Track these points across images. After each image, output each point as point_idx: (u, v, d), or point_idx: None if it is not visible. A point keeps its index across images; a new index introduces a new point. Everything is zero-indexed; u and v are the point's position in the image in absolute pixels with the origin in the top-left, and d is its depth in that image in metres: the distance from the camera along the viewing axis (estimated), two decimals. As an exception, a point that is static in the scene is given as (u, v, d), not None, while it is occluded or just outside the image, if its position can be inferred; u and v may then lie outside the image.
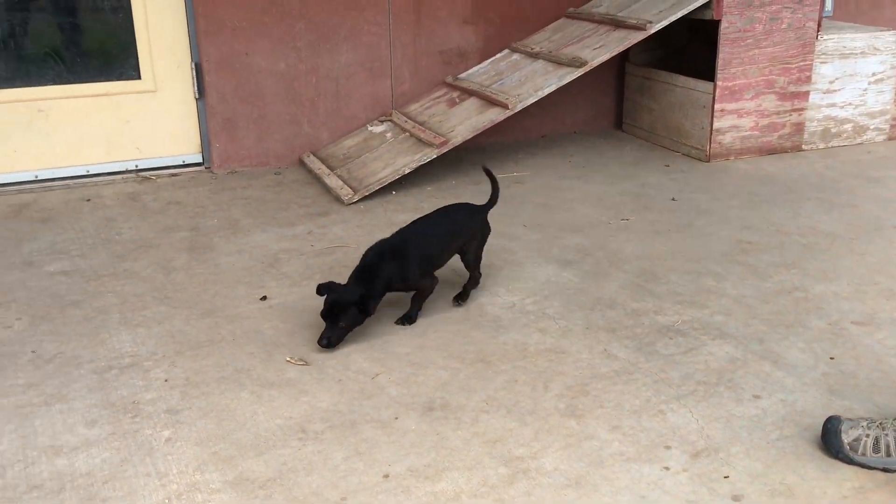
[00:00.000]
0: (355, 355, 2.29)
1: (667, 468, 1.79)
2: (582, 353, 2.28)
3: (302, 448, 1.89)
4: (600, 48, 3.75)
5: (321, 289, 2.34)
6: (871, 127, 4.26)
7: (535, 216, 3.33)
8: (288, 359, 2.26)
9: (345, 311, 2.29)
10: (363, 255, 2.44)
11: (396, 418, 1.99)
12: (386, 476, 1.78)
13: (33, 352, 2.31)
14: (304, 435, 1.93)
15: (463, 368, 2.21)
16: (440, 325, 2.45)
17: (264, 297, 2.64)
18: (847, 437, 1.78)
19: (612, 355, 2.27)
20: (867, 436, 1.77)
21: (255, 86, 3.85)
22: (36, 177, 3.70)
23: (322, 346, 2.28)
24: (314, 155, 3.94)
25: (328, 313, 2.29)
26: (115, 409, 2.03)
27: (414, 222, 2.61)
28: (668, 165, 3.97)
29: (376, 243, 2.48)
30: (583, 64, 3.65)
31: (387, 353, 2.30)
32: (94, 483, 1.77)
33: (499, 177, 3.83)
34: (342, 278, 2.76)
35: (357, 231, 3.19)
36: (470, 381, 2.15)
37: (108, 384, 2.15)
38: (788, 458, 1.81)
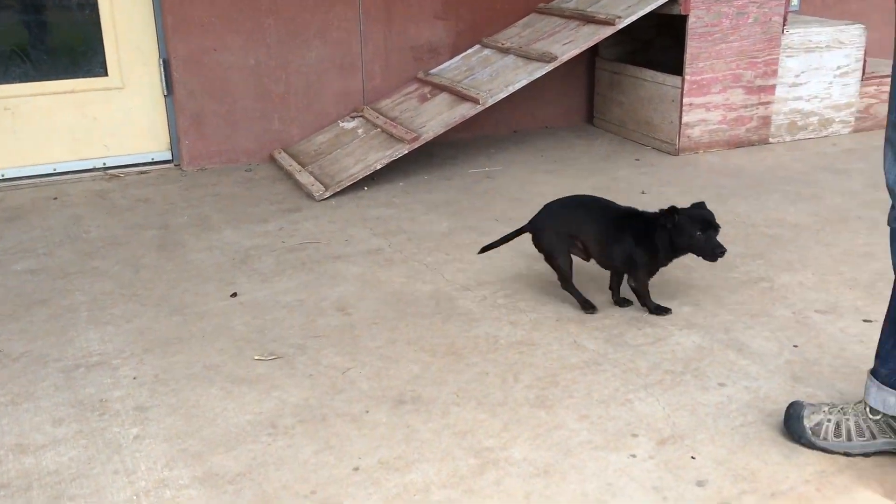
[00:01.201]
0: (326, 350, 2.29)
1: (634, 455, 1.81)
2: (552, 345, 2.30)
3: (272, 443, 1.89)
4: (570, 43, 3.77)
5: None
6: (837, 119, 4.32)
7: (507, 210, 3.35)
8: (256, 357, 2.26)
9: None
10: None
11: (367, 412, 2.00)
12: (356, 469, 1.79)
13: (0, 350, 2.29)
14: (275, 430, 1.93)
15: (434, 362, 2.23)
16: (412, 320, 2.46)
17: (234, 294, 2.63)
18: (809, 423, 1.81)
19: (581, 346, 2.29)
20: (829, 421, 1.80)
21: (225, 82, 3.84)
22: (2, 175, 3.65)
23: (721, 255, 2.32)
24: (285, 151, 3.93)
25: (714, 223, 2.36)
26: (82, 408, 2.02)
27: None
28: (638, 159, 4.01)
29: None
30: (552, 59, 3.67)
31: (358, 348, 2.30)
32: (62, 481, 1.76)
33: (470, 171, 3.89)
34: (315, 275, 2.77)
35: (329, 227, 3.19)
36: (441, 374, 2.16)
37: (75, 382, 2.13)
38: (752, 444, 1.84)
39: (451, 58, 4.21)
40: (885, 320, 1.77)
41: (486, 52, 4.12)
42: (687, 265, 2.80)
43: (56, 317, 2.48)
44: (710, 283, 2.66)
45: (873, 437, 1.76)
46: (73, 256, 2.92)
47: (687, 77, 3.90)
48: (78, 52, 3.70)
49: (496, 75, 3.81)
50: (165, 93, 3.80)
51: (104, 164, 3.80)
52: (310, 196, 3.48)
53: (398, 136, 3.62)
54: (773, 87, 4.10)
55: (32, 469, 1.80)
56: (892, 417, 1.74)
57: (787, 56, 4.09)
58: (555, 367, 2.18)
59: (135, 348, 2.30)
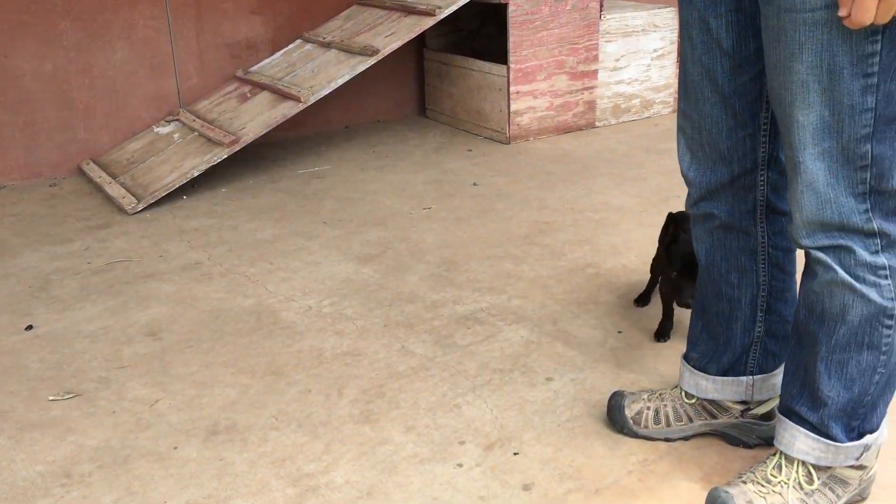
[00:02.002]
0: (132, 382, 2.10)
1: (460, 465, 1.75)
2: (379, 353, 2.20)
3: (65, 495, 1.69)
4: (392, 35, 3.68)
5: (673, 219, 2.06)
6: (657, 101, 4.46)
7: (336, 211, 3.23)
8: (51, 397, 2.03)
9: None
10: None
11: (175, 448, 1.83)
12: (160, 515, 1.63)
13: None
14: (69, 480, 1.74)
15: (253, 384, 2.08)
16: (230, 339, 2.30)
17: (30, 327, 2.37)
18: (630, 412, 1.80)
19: (409, 352, 2.21)
20: (648, 408, 1.80)
21: (19, 91, 3.49)
22: None
23: (686, 307, 2.07)
24: (94, 162, 3.63)
25: (684, 265, 1.99)
26: None
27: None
28: (470, 150, 3.98)
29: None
30: (375, 52, 3.57)
31: (169, 376, 2.12)
32: None
33: (299, 172, 3.73)
34: (123, 297, 2.55)
35: (142, 242, 2.96)
36: (260, 397, 2.02)
37: None
38: (578, 439, 1.82)
39: (272, 54, 4.02)
40: (694, 304, 1.79)
41: (308, 46, 3.97)
42: (516, 256, 2.78)
43: None
44: (539, 274, 2.65)
45: (690, 420, 1.78)
46: None
47: (512, 65, 3.90)
48: None
49: (318, 71, 3.67)
50: (-52, 105, 3.41)
51: None
52: (121, 210, 3.22)
53: (216, 140, 3.42)
54: (596, 72, 4.17)
55: None
56: (707, 400, 1.76)
57: (606, 41, 4.17)
58: (381, 377, 2.09)
59: None
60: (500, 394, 2.00)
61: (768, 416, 1.73)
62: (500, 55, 3.97)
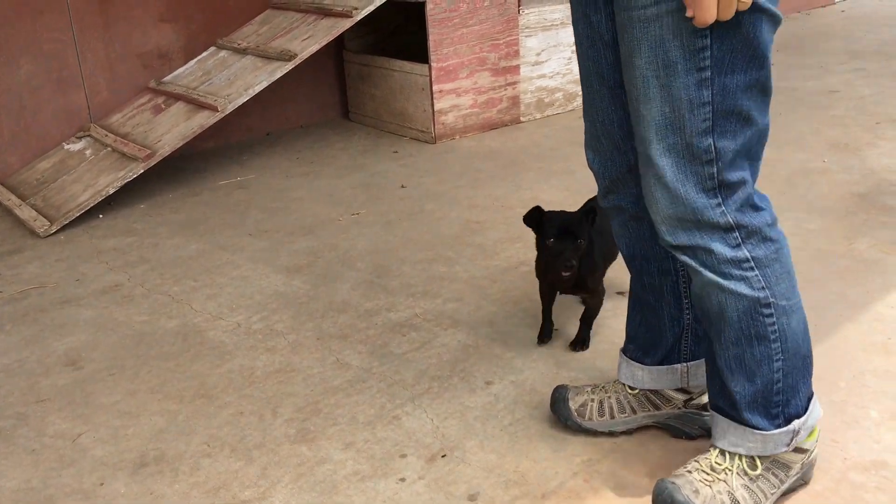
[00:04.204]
0: (52, 416, 1.98)
1: (402, 479, 1.70)
2: (313, 368, 2.14)
3: (-18, 546, 1.58)
4: (309, 38, 3.60)
5: (532, 215, 2.00)
6: (580, 94, 4.48)
7: (261, 222, 3.14)
8: (-36, 438, 1.91)
9: (581, 228, 1.96)
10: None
11: (101, 484, 1.73)
12: (87, 559, 1.54)
13: None
14: (-15, 529, 1.63)
15: (182, 409, 1.99)
16: (155, 363, 2.20)
17: (-62, 364, 2.23)
18: (574, 404, 1.78)
19: (344, 364, 2.15)
20: (592, 400, 1.79)
21: (-87, 112, 3.29)
22: None
23: (567, 269, 1.95)
24: (1, 184, 3.45)
25: (565, 231, 1.95)
26: None
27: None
28: (396, 151, 3.93)
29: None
30: (292, 57, 3.48)
31: (91, 407, 2.01)
32: None
33: (221, 183, 3.62)
34: (39, 326, 2.42)
35: (57, 266, 2.82)
36: (189, 423, 1.93)
37: None
38: (521, 443, 1.79)
39: (186, 63, 3.89)
40: (628, 298, 1.78)
41: (223, 53, 3.85)
42: (449, 258, 2.74)
43: None
44: (473, 275, 2.62)
45: (634, 412, 1.77)
46: None
47: (433, 64, 3.86)
48: None
49: (235, 78, 3.56)
50: None
51: None
52: (33, 233, 3.07)
53: (131, 155, 3.28)
54: (518, 67, 4.17)
55: None
56: (649, 391, 1.76)
57: (526, 36, 4.17)
58: (316, 393, 2.02)
59: None
60: (440, 402, 1.96)
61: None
62: (421, 54, 3.93)
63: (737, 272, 1.39)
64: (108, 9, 3.66)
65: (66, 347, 2.30)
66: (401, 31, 4.45)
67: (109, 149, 3.42)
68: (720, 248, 1.38)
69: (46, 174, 3.43)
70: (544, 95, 4.33)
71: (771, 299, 1.40)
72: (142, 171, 3.22)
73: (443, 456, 1.76)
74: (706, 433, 1.73)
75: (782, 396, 1.47)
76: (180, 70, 3.85)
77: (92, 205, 3.13)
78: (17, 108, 3.52)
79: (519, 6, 4.09)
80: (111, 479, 1.75)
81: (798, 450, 1.53)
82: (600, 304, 2.17)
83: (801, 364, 1.47)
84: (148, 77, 3.83)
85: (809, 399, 1.52)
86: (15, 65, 3.48)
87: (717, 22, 1.24)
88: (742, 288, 1.40)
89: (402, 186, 3.45)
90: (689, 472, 1.52)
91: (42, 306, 2.55)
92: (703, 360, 1.71)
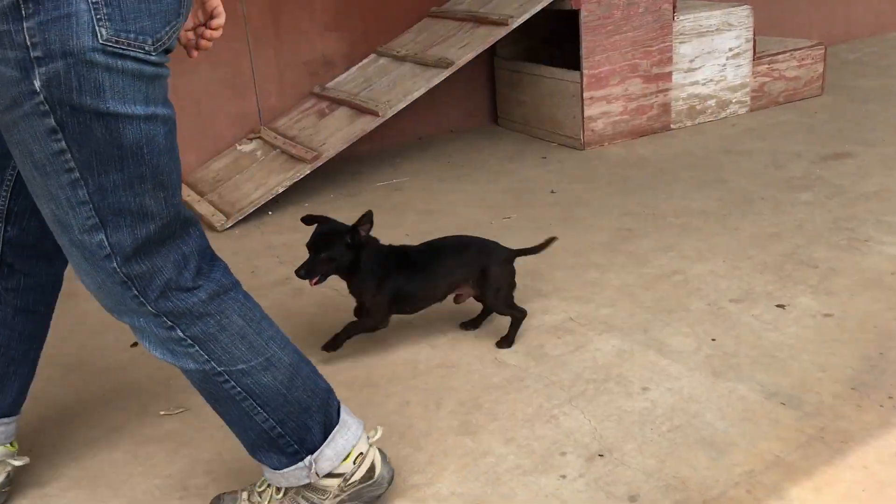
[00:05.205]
0: (237, 396, 2.17)
1: (563, 476, 1.77)
2: (473, 365, 2.24)
3: (184, 508, 1.77)
4: (465, 46, 3.72)
5: (309, 218, 2.19)
6: (734, 101, 4.40)
7: (419, 223, 3.28)
8: (162, 412, 2.12)
9: (330, 242, 2.14)
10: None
11: (284, 460, 1.89)
12: (276, 527, 1.69)
13: None
14: (186, 493, 1.81)
15: (352, 396, 2.13)
16: (336, 352, 2.35)
17: (135, 344, 2.48)
18: None
19: (502, 363, 2.24)
20: None
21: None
22: None
23: (299, 276, 2.14)
24: (183, 182, 3.76)
25: (312, 243, 2.15)
26: (-28, 492, 1.85)
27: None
28: (545, 157, 3.99)
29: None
30: (449, 64, 3.61)
31: (271, 390, 2.19)
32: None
33: (377, 185, 3.80)
34: (219, 313, 2.63)
35: (233, 258, 3.05)
36: (361, 409, 2.07)
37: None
38: (680, 450, 1.82)
39: (348, 69, 4.11)
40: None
41: (382, 61, 4.04)
42: (601, 265, 2.78)
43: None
44: (625, 282, 2.65)
45: None
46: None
47: (585, 71, 3.90)
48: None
49: (394, 85, 3.73)
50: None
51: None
52: (211, 227, 3.33)
53: (298, 156, 3.51)
54: (670, 73, 4.14)
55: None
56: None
57: (680, 42, 4.14)
58: (477, 389, 2.12)
59: (28, 416, 2.13)
60: (597, 404, 2.01)
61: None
62: (572, 61, 3.98)
63: (180, 349, 1.45)
64: (280, 20, 3.92)
65: (246, 334, 2.50)
66: (551, 40, 4.51)
67: (278, 150, 3.66)
68: (156, 331, 1.44)
69: (221, 173, 3.72)
70: (696, 103, 4.28)
71: (219, 368, 1.47)
72: (308, 171, 3.43)
73: (601, 456, 1.82)
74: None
75: (293, 437, 1.56)
76: (342, 76, 4.07)
77: (263, 202, 3.37)
78: (195, 112, 3.83)
79: (674, 12, 4.06)
80: (292, 457, 1.90)
81: (331, 475, 1.61)
82: (370, 327, 2.28)
83: (300, 408, 1.54)
84: (312, 83, 4.07)
85: (328, 431, 1.59)
86: (196, 72, 3.78)
87: (66, 127, 1.25)
88: (188, 363, 1.47)
89: (552, 192, 3.51)
90: (243, 490, 1.69)
91: (222, 295, 2.77)
92: None
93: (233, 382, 1.49)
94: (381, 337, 2.42)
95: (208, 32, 1.55)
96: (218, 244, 3.21)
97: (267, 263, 3.00)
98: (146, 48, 1.27)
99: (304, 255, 2.96)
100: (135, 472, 1.90)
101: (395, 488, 1.77)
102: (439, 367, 2.24)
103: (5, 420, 1.78)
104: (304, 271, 2.13)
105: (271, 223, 3.37)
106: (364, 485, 1.66)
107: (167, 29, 1.30)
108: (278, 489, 1.64)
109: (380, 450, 1.71)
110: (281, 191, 3.40)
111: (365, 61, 4.11)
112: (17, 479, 1.87)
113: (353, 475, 1.63)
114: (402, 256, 2.29)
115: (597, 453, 1.83)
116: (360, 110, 3.63)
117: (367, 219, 2.17)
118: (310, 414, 1.57)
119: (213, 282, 1.46)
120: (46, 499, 1.82)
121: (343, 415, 1.63)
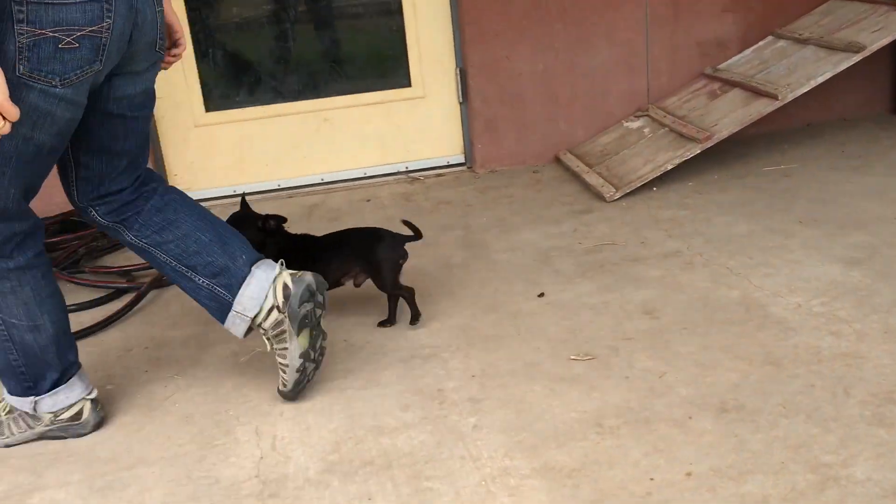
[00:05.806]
0: (638, 353, 2.35)
1: None
2: (883, 359, 2.18)
3: (601, 442, 1.98)
4: (880, 31, 3.51)
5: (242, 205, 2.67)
6: None
7: (810, 211, 3.20)
8: (573, 356, 2.37)
9: (242, 226, 2.42)
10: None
11: (690, 418, 2.03)
12: (688, 474, 1.83)
13: (345, 340, 2.59)
14: (601, 429, 2.03)
15: (752, 371, 2.20)
16: (722, 326, 2.44)
17: (542, 294, 2.76)
18: None
19: None
20: None
21: (515, 88, 4.01)
22: (322, 179, 4.10)
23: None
24: (570, 153, 4.03)
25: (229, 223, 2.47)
26: (423, 396, 2.24)
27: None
28: (958, 153, 3.64)
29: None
30: (860, 49, 3.44)
31: (671, 353, 2.33)
32: (417, 462, 1.97)
33: (765, 169, 3.74)
34: (615, 277, 2.84)
35: (623, 229, 3.24)
36: (762, 385, 2.13)
37: (413, 372, 2.37)
38: None
39: (741, 52, 4.07)
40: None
41: (781, 43, 3.94)
42: None
43: (386, 311, 2.76)
44: None
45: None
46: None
47: None
48: (386, 67, 4.07)
49: (794, 68, 3.63)
50: (461, 100, 4.05)
51: (406, 167, 4.13)
52: (599, 197, 3.55)
53: (688, 135, 3.58)
54: None
55: (390, 449, 2.03)
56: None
57: None
58: (890, 384, 2.07)
59: (459, 343, 2.51)
60: None
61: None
62: None
63: None
64: (678, 1, 4.00)
65: (642, 299, 2.67)
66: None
67: (667, 129, 3.77)
68: None
69: (608, 147, 3.92)
70: None
71: (0, 315, 2.02)
72: (698, 151, 3.50)
73: None
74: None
75: (28, 378, 2.11)
76: (735, 58, 4.04)
77: (651, 178, 3.51)
78: (589, 89, 4.06)
79: None
80: (698, 416, 2.03)
81: (52, 413, 2.15)
82: None
83: (44, 363, 2.09)
84: (703, 64, 4.10)
85: (56, 386, 2.13)
86: (594, 51, 4.01)
87: None
88: None
89: (970, 191, 3.21)
90: None
91: (614, 261, 2.97)
92: None
93: (4, 327, 2.04)
94: (779, 318, 2.43)
95: (168, 57, 2.08)
96: (606, 214, 3.44)
97: (655, 236, 3.14)
98: (54, 83, 1.77)
99: (693, 231, 3.06)
100: (553, 403, 2.16)
101: (805, 463, 1.81)
102: (845, 356, 2.21)
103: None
104: None
105: (657, 198, 3.50)
106: (70, 423, 2.17)
107: (78, 72, 1.79)
108: (9, 409, 2.19)
109: (95, 401, 2.20)
110: (670, 167, 3.51)
111: (761, 43, 4.04)
112: (455, 394, 2.22)
113: (61, 414, 2.16)
114: (305, 243, 2.66)
115: None
116: (757, 93, 3.60)
117: (279, 217, 2.58)
118: (49, 369, 2.11)
119: (24, 259, 2.01)
120: (481, 414, 2.14)
121: (74, 379, 2.16)
